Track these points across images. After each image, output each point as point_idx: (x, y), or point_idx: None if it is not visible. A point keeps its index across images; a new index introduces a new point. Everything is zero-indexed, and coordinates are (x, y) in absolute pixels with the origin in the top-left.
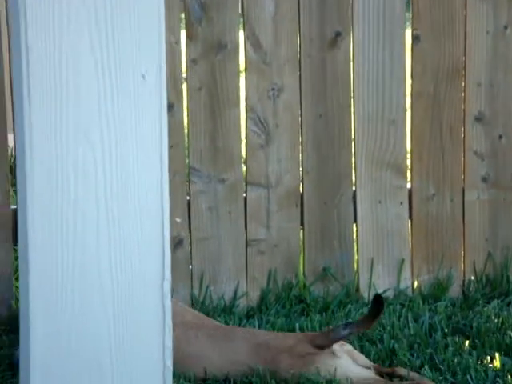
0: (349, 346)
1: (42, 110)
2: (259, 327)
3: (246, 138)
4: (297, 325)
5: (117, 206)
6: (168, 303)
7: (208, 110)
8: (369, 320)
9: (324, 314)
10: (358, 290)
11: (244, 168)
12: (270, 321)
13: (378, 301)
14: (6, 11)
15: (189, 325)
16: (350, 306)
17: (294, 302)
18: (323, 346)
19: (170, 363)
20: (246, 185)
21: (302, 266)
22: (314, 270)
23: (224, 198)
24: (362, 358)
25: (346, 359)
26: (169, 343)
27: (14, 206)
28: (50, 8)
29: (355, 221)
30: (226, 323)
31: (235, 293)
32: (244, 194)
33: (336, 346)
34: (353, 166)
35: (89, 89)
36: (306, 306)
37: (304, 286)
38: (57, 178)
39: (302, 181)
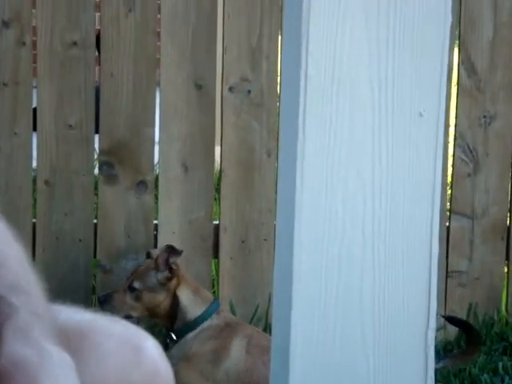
0: None
1: (316, 140)
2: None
3: (452, 165)
4: (500, 364)
5: (383, 245)
6: (431, 353)
7: None
8: (469, 350)
9: None
10: None
11: (449, 196)
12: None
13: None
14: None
15: None
16: None
17: (495, 340)
18: None
19: None
20: (450, 214)
21: (504, 302)
22: None
23: None
24: None
25: None
26: None
27: (216, 222)
28: (332, 38)
29: None
30: None
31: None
32: (447, 223)
33: None
34: None
35: (364, 123)
36: (508, 345)
37: (506, 323)
38: (325, 211)
39: (510, 213)
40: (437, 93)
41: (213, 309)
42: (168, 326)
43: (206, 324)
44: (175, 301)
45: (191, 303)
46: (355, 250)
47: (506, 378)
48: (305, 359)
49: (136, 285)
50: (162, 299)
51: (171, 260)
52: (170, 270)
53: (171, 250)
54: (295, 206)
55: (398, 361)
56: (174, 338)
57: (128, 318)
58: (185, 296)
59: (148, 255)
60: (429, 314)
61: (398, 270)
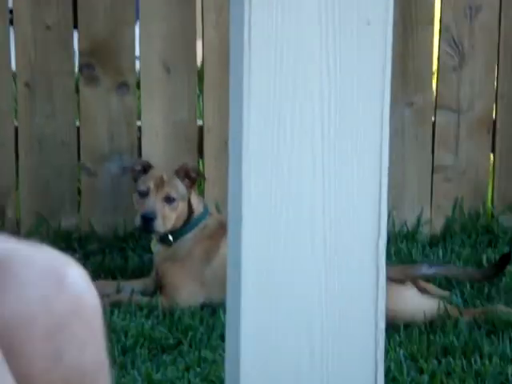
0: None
1: (262, 54)
2: (443, 256)
3: (438, 59)
4: (484, 256)
5: (333, 154)
6: (382, 263)
7: (400, 29)
8: (475, 274)
9: None
10: None
11: (434, 91)
12: (454, 250)
13: (504, 261)
14: None
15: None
16: None
17: (481, 232)
18: (396, 280)
19: (382, 325)
20: (436, 109)
21: (490, 195)
22: (503, 199)
23: (411, 121)
24: (431, 288)
25: (416, 291)
26: (381, 305)
27: (200, 123)
28: None
29: None
30: (409, 250)
31: (419, 219)
32: (433, 118)
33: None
34: None
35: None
36: (493, 237)
37: (492, 215)
38: (273, 125)
39: (496, 106)
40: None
41: (206, 210)
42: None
43: (201, 225)
44: (189, 207)
45: (197, 206)
46: (305, 163)
47: None
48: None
49: (174, 195)
50: (186, 206)
51: (192, 174)
52: (189, 178)
53: (192, 168)
54: (243, 121)
55: (348, 265)
56: (171, 240)
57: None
58: (194, 199)
59: (147, 166)
60: (379, 223)
61: (349, 180)
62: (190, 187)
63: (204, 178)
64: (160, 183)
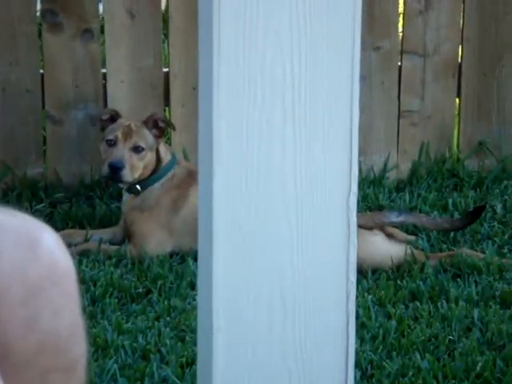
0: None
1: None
2: (410, 201)
3: (404, 3)
4: (450, 200)
5: (304, 114)
6: (353, 218)
7: None
8: (443, 224)
9: (478, 189)
10: None
11: (400, 36)
12: (421, 195)
13: (477, 213)
14: None
15: None
16: (506, 182)
17: (447, 176)
18: (364, 226)
19: (353, 278)
20: (402, 53)
21: (456, 139)
22: (468, 144)
23: (378, 66)
24: (398, 233)
25: (383, 237)
26: (353, 258)
27: (166, 69)
28: None
29: None
30: (376, 195)
31: (385, 165)
32: (399, 63)
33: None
34: None
35: None
36: (458, 181)
37: (458, 159)
38: (244, 79)
39: (462, 50)
40: None
41: (174, 159)
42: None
43: (169, 174)
44: (157, 156)
45: (165, 155)
46: (275, 118)
47: (456, 214)
48: (228, 216)
49: (142, 144)
50: (154, 156)
51: (160, 124)
52: (158, 128)
53: (161, 117)
54: (213, 78)
55: (319, 221)
56: (139, 189)
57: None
58: (162, 149)
59: (115, 115)
60: (350, 178)
61: (319, 135)
62: (158, 137)
63: (174, 128)
64: (128, 133)
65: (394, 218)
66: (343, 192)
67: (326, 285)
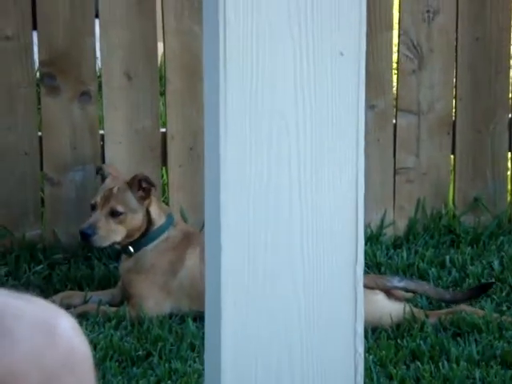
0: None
1: (239, 88)
2: (407, 258)
3: (397, 63)
4: (447, 257)
5: (310, 188)
6: (360, 288)
7: None
8: (445, 295)
9: (475, 245)
10: (510, 221)
11: (394, 94)
12: (418, 251)
13: (484, 288)
14: None
15: None
16: (502, 237)
17: (443, 233)
18: (366, 286)
19: (361, 350)
20: (397, 111)
21: (451, 196)
22: (464, 200)
23: (373, 125)
24: (396, 291)
25: (383, 296)
26: (360, 329)
27: (163, 129)
28: None
29: (510, 149)
30: (373, 252)
31: (382, 221)
32: (394, 121)
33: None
34: (509, 92)
35: (285, 65)
36: (455, 237)
37: (454, 215)
38: (250, 159)
39: (455, 108)
40: (357, 32)
41: (170, 221)
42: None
43: (164, 236)
44: (148, 217)
45: (157, 216)
46: (282, 194)
47: (453, 271)
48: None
49: (120, 208)
50: (141, 218)
51: (144, 184)
52: (143, 189)
53: (146, 178)
54: (220, 156)
55: (327, 292)
56: (132, 251)
57: (112, 245)
58: (154, 210)
59: (98, 170)
60: (357, 249)
61: (326, 210)
62: (143, 198)
63: (154, 187)
64: (107, 197)
65: (397, 282)
66: (350, 262)
67: (334, 358)
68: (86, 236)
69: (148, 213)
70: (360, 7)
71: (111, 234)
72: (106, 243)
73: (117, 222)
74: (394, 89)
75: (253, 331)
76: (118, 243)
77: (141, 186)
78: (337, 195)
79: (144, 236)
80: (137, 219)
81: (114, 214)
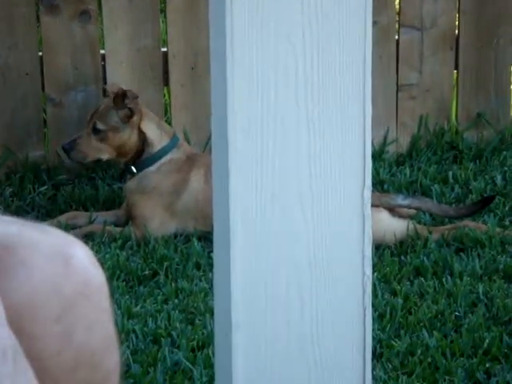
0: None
1: (244, 10)
2: (410, 175)
3: None
4: (450, 173)
5: (317, 110)
6: (368, 212)
7: None
8: (449, 211)
9: (478, 161)
10: None
11: (397, 9)
12: (421, 168)
13: (484, 203)
14: None
15: None
16: (505, 153)
17: (446, 149)
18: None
19: (369, 272)
20: (399, 27)
21: (454, 112)
22: (467, 116)
23: (375, 41)
24: (400, 208)
25: (387, 214)
26: (368, 252)
27: (164, 49)
28: None
29: None
30: (376, 170)
31: (385, 139)
32: (396, 37)
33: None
34: None
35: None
36: (458, 153)
37: (456, 131)
38: (257, 83)
39: (458, 22)
40: None
41: (174, 142)
42: (129, 161)
43: (167, 157)
44: (141, 136)
45: (157, 137)
46: (288, 117)
47: (456, 187)
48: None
49: (100, 126)
50: (127, 137)
51: (127, 101)
52: (129, 107)
53: (126, 93)
54: (227, 82)
55: (334, 217)
56: (134, 171)
57: (97, 161)
58: (150, 130)
59: (104, 92)
60: (364, 173)
61: (332, 135)
62: (129, 116)
63: (136, 99)
64: (94, 113)
65: (401, 200)
66: (357, 186)
67: (342, 279)
68: (65, 151)
69: (140, 131)
70: None
71: (92, 150)
72: (87, 159)
73: (98, 139)
74: (397, 4)
75: (261, 258)
76: (111, 161)
77: (124, 104)
78: (344, 121)
79: (143, 156)
80: (122, 137)
81: (95, 131)
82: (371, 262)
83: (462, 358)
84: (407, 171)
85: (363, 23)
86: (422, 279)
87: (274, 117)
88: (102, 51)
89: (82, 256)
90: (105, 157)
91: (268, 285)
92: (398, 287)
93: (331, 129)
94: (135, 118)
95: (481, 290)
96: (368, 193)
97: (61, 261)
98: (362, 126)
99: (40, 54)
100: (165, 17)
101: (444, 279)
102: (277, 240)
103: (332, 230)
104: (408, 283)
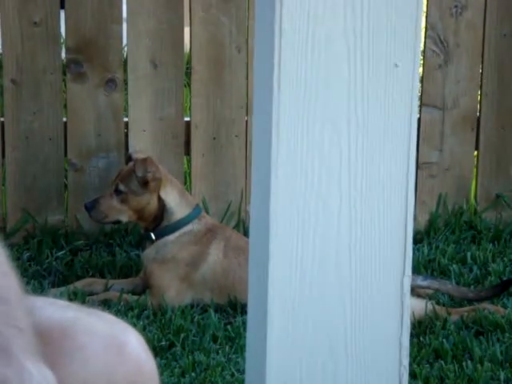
0: None
1: (292, 95)
2: (428, 253)
3: (423, 57)
4: (468, 253)
5: (360, 198)
6: (407, 301)
7: None
8: (468, 294)
9: (496, 242)
10: None
11: (420, 88)
12: (439, 247)
13: (506, 285)
14: None
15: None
16: None
17: (464, 229)
18: None
19: (406, 362)
20: (421, 106)
21: (473, 192)
22: (486, 197)
23: None
24: (419, 290)
25: None
26: (406, 342)
27: (187, 119)
28: None
29: None
30: None
31: None
32: (418, 115)
33: None
34: None
35: (339, 75)
36: (476, 234)
37: (475, 212)
38: (301, 165)
39: (480, 103)
40: (412, 44)
41: (195, 213)
42: (149, 227)
43: (187, 228)
44: (160, 203)
45: (177, 205)
46: (331, 203)
47: (475, 268)
48: (283, 302)
49: (121, 187)
50: (145, 202)
51: (147, 168)
52: (147, 174)
53: (146, 159)
54: (271, 162)
55: (374, 305)
56: (153, 238)
57: (117, 222)
58: (171, 198)
59: (129, 158)
60: (405, 261)
61: (375, 223)
62: (146, 183)
63: (158, 179)
64: (118, 174)
65: (420, 281)
66: (397, 274)
67: (378, 369)
68: (86, 209)
69: (160, 198)
70: (416, 17)
71: (112, 210)
72: (107, 219)
73: (119, 201)
74: (419, 84)
75: (298, 338)
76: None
77: (144, 169)
78: (386, 210)
79: (163, 223)
80: (141, 202)
81: (117, 192)
82: (408, 352)
83: None
84: (425, 249)
85: (409, 112)
86: (442, 362)
87: (316, 201)
88: (126, 119)
89: (135, 344)
90: (124, 219)
91: (303, 372)
92: (418, 370)
93: (373, 215)
94: (153, 185)
95: (502, 377)
96: (407, 281)
97: (115, 348)
98: (404, 216)
99: (64, 119)
100: (189, 86)
101: (464, 363)
102: (315, 327)
103: (369, 318)
104: (427, 366)
